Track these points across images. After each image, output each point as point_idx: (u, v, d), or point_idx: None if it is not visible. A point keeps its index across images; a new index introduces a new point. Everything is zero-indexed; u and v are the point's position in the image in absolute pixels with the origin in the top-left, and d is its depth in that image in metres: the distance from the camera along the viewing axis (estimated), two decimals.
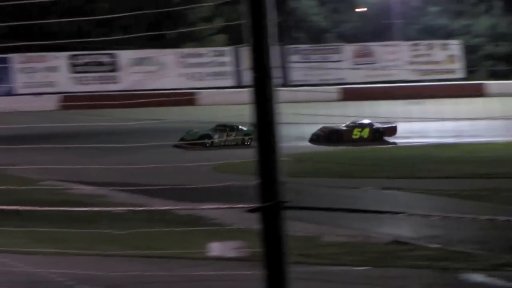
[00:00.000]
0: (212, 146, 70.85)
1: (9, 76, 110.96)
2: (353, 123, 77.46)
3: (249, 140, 68.56)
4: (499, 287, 35.21)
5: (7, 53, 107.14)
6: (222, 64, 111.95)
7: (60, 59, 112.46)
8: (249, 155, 8.97)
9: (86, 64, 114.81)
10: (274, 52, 8.82)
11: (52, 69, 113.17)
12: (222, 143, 71.02)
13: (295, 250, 8.26)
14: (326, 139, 75.64)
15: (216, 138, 70.82)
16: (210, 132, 71.31)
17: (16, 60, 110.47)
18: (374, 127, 77.97)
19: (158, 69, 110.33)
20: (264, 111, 8.50)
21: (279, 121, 8.59)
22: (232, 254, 35.21)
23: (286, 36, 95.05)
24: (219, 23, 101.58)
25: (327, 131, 75.81)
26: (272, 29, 8.77)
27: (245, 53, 8.87)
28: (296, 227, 11.55)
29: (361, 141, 74.94)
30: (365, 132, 75.80)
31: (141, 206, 42.77)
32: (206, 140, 70.26)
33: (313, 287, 25.45)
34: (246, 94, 8.67)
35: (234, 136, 70.77)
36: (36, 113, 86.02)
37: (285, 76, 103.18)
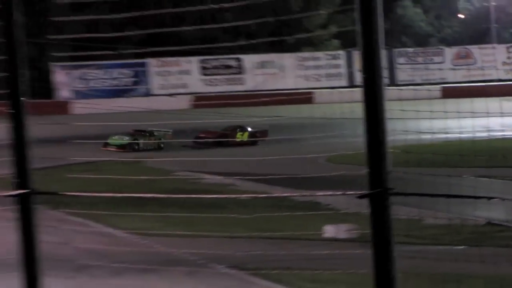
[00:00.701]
0: (139, 150, 72.67)
1: (147, 79, 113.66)
2: (231, 126, 78.34)
3: (162, 144, 73.08)
4: None
5: (145, 58, 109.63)
6: (336, 66, 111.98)
7: (192, 63, 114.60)
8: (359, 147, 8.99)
9: (214, 67, 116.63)
10: (383, 55, 8.81)
11: (185, 72, 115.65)
12: (145, 147, 73.06)
13: (400, 231, 8.21)
14: (216, 142, 76.06)
15: (141, 142, 72.77)
16: (136, 137, 73.60)
17: (153, 64, 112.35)
18: (250, 130, 78.69)
19: (278, 72, 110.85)
20: (374, 108, 8.49)
21: (387, 117, 8.58)
22: (344, 235, 35.46)
23: (394, 40, 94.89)
24: (333, 29, 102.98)
25: (217, 135, 76.73)
26: (381, 34, 8.76)
27: (357, 56, 8.87)
28: (401, 211, 11.47)
29: (242, 143, 75.89)
30: (245, 135, 76.70)
31: (263, 194, 42.72)
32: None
33: (417, 265, 25.32)
34: (357, 93, 8.67)
35: (153, 140, 72.93)
36: (170, 112, 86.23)
37: (392, 76, 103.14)
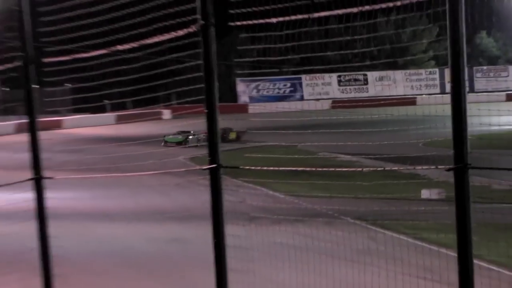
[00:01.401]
0: (186, 145, 66.06)
1: (301, 88, 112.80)
2: (224, 128, 69.25)
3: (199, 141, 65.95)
4: None
5: (300, 74, 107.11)
6: (433, 79, 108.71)
7: (332, 78, 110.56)
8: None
9: (347, 80, 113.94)
10: (465, 71, 8.79)
11: (326, 84, 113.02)
12: (191, 143, 66.64)
13: (474, 194, 8.08)
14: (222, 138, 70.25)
15: (189, 139, 67.59)
16: (186, 136, 68.63)
17: (305, 78, 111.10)
18: (235, 131, 74.20)
19: (392, 83, 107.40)
20: (458, 108, 8.50)
21: (467, 114, 8.56)
22: (436, 197, 35.51)
23: (473, 61, 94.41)
24: (431, 53, 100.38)
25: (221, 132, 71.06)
26: (464, 57, 8.72)
27: (447, 72, 8.91)
28: (475, 180, 11.04)
29: (232, 141, 70.95)
30: (234, 135, 73.17)
31: (379, 167, 42.56)
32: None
33: (487, 218, 24.96)
34: (447, 98, 8.67)
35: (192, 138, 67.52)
36: (316, 111, 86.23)
37: (472, 86, 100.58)
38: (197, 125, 12.25)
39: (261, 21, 11.86)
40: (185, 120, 59.07)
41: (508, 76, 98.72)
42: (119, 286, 23.25)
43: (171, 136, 67.49)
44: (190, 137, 66.18)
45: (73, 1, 14.15)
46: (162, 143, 65.89)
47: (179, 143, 64.66)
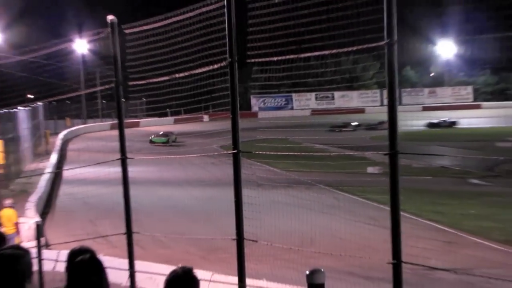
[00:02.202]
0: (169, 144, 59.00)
1: (292, 102, 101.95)
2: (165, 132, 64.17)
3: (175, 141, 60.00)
4: None
5: (291, 93, 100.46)
6: (375, 97, 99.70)
7: (311, 95, 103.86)
8: None
9: (321, 97, 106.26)
10: (396, 91, 8.79)
11: (308, 99, 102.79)
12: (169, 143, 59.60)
13: (402, 169, 8.25)
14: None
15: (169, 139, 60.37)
16: (168, 137, 60.51)
17: (294, 95, 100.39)
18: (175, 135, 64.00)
19: (349, 99, 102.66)
20: (392, 114, 8.55)
21: (397, 118, 8.65)
22: (377, 171, 34.79)
23: (401, 84, 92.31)
24: (374, 80, 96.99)
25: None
26: (396, 82, 8.76)
27: (385, 92, 9.00)
28: (403, 161, 11.00)
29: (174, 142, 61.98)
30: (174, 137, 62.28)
31: (341, 153, 42.20)
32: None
33: (409, 185, 24.95)
34: (385, 108, 8.73)
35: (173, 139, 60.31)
36: (301, 117, 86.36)
37: (400, 101, 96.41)
38: (225, 125, 12.19)
39: (266, 59, 11.95)
40: (218, 121, 58.94)
41: (423, 95, 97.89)
42: (175, 227, 23.31)
43: (156, 138, 59.78)
44: (163, 138, 60.08)
45: (147, 46, 14.19)
46: (149, 143, 58.20)
47: (164, 143, 58.06)
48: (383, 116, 9.04)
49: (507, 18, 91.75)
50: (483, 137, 55.35)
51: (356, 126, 71.35)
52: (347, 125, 70.96)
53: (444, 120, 71.34)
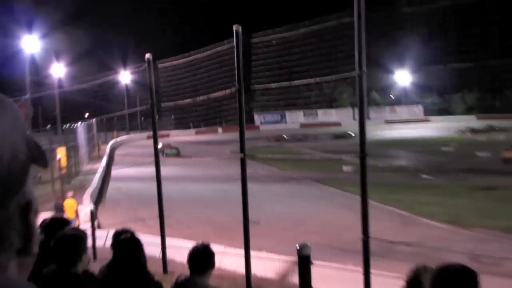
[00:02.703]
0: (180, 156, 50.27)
1: (286, 118, 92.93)
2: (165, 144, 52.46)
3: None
4: None
5: (284, 111, 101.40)
6: (350, 113, 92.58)
7: (300, 112, 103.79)
8: None
9: (308, 114, 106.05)
10: (365, 109, 8.73)
11: (297, 116, 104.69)
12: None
13: (369, 167, 8.28)
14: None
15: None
16: (177, 150, 51.62)
17: (287, 113, 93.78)
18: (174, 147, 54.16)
19: (330, 115, 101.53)
20: (362, 127, 8.49)
21: (365, 129, 8.61)
22: (351, 170, 33.76)
23: (370, 104, 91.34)
24: (350, 100, 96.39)
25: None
26: (365, 102, 8.70)
27: (357, 109, 8.97)
28: (370, 161, 10.91)
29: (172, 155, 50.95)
30: (173, 151, 52.11)
31: (324, 156, 42.09)
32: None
33: (374, 179, 24.90)
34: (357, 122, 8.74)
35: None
36: (292, 129, 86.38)
37: (368, 116, 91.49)
38: (233, 136, 12.20)
39: (266, 85, 11.97)
40: (229, 133, 58.94)
41: (386, 112, 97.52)
42: (196, 212, 23.28)
43: (168, 150, 49.83)
44: (174, 150, 51.32)
45: (175, 76, 14.28)
46: (163, 155, 45.99)
47: (175, 155, 49.72)
48: (356, 127, 9.02)
49: (448, 54, 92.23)
50: (431, 143, 55.37)
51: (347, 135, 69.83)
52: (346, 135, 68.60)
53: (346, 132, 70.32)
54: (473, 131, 67.30)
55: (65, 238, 3.82)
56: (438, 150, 48.56)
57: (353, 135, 69.37)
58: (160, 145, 38.19)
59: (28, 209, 0.84)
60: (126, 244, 4.38)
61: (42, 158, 0.91)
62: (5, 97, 0.82)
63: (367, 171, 8.53)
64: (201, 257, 4.40)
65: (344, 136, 66.87)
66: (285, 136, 68.08)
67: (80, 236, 3.93)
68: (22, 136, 0.83)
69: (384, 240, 9.53)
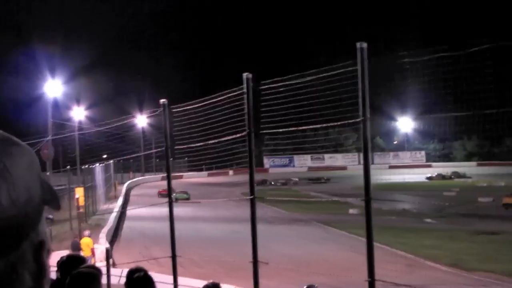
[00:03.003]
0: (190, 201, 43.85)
1: (294, 161, 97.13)
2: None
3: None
4: None
5: (292, 155, 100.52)
6: (355, 158, 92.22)
7: (308, 156, 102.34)
8: None
9: (315, 158, 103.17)
10: (369, 154, 8.68)
11: (305, 159, 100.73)
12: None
13: (374, 211, 8.21)
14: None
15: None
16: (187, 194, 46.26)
17: (296, 157, 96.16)
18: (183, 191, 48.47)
19: (336, 159, 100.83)
20: (366, 171, 8.43)
21: (370, 173, 8.54)
22: (356, 212, 33.55)
23: (373, 149, 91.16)
24: (354, 146, 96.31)
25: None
26: (369, 147, 8.68)
27: (362, 154, 8.88)
28: (375, 205, 10.71)
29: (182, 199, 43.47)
30: (185, 195, 46.72)
31: (330, 198, 41.80)
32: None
33: (380, 223, 24.66)
34: (361, 166, 8.64)
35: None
36: (301, 172, 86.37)
37: (372, 160, 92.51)
38: (244, 178, 12.17)
39: (274, 130, 11.97)
40: (239, 175, 58.83)
41: (389, 157, 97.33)
42: (206, 252, 23.06)
43: (179, 195, 42.13)
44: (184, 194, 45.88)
45: (189, 120, 14.31)
46: (174, 200, 28.92)
47: (186, 199, 43.05)
48: (361, 171, 8.94)
49: (447, 103, 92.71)
50: (434, 188, 55.04)
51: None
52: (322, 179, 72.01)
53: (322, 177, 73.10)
54: (443, 177, 70.71)
55: (80, 276, 3.78)
56: (440, 195, 48.26)
57: (328, 179, 70.71)
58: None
59: (41, 249, 0.84)
60: (140, 282, 4.35)
61: (55, 200, 0.92)
62: (20, 142, 0.84)
63: (372, 214, 8.44)
64: None
65: (320, 180, 69.36)
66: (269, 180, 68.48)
67: (95, 274, 3.89)
68: (37, 178, 0.84)
69: (389, 282, 9.33)
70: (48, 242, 0.88)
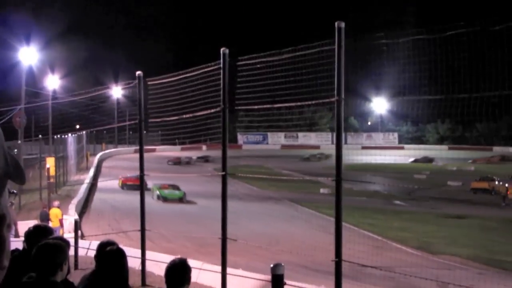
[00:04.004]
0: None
1: (267, 138, 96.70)
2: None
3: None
4: None
5: (266, 132, 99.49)
6: (328, 137, 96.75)
7: (281, 134, 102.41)
8: None
9: (289, 136, 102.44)
10: (342, 134, 8.72)
11: (279, 137, 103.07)
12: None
13: (344, 191, 8.31)
14: None
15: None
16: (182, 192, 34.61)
17: (269, 134, 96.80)
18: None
19: (309, 138, 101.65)
20: (339, 150, 8.47)
21: (342, 154, 8.59)
22: (327, 192, 33.67)
23: (346, 129, 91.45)
24: (328, 125, 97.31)
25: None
26: (342, 127, 8.72)
27: (333, 134, 8.91)
28: (345, 185, 10.86)
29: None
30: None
31: (302, 177, 42.05)
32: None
33: (349, 203, 24.98)
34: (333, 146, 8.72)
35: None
36: (273, 149, 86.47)
37: (345, 141, 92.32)
38: (216, 153, 12.15)
39: (249, 107, 11.96)
40: (212, 150, 58.74)
41: (362, 138, 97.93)
42: (176, 227, 22.96)
43: (167, 192, 33.85)
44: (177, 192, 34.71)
45: (164, 93, 14.21)
46: (158, 198, 32.91)
47: (178, 200, 33.58)
48: (333, 151, 8.99)
49: (422, 85, 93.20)
50: (405, 170, 55.67)
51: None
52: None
53: None
54: (429, 160, 71.18)
55: (46, 247, 3.73)
56: (411, 177, 48.83)
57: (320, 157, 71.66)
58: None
59: (1, 223, 0.81)
60: (112, 255, 4.33)
61: (20, 175, 0.89)
62: None
63: (342, 194, 8.52)
64: (178, 272, 4.33)
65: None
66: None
67: (61, 245, 3.85)
68: (1, 152, 0.81)
69: (356, 263, 9.46)
70: (8, 216, 0.85)
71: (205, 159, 62.77)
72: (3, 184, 0.80)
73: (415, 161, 70.81)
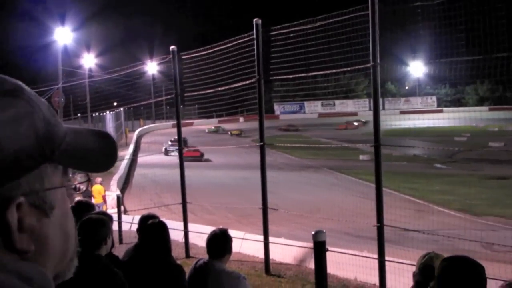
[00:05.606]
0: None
1: (304, 108, 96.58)
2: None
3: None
4: None
5: (303, 101, 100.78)
6: (366, 104, 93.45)
7: (318, 103, 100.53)
8: None
9: (326, 104, 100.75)
10: (379, 100, 8.59)
11: (316, 106, 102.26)
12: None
13: (384, 156, 8.18)
14: None
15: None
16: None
17: (306, 103, 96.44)
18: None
19: (346, 106, 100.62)
20: (376, 117, 8.34)
21: (380, 119, 8.46)
22: (367, 158, 33.35)
23: (384, 95, 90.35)
24: (365, 91, 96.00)
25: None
26: (379, 93, 8.56)
27: (372, 100, 8.78)
28: (385, 150, 10.58)
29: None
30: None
31: (341, 144, 41.77)
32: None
33: (389, 168, 24.68)
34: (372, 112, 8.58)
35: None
36: (311, 118, 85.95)
37: (383, 107, 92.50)
38: (254, 124, 12.13)
39: (285, 76, 11.86)
40: (250, 122, 58.80)
41: (400, 103, 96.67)
42: (217, 199, 23.24)
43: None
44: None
45: (199, 67, 14.21)
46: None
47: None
48: (371, 117, 8.89)
49: (459, 47, 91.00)
50: (444, 133, 54.73)
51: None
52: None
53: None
54: None
55: (89, 222, 3.80)
56: (451, 140, 48.05)
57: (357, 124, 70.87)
58: (169, 145, 30.08)
59: (7, 207, 0.77)
60: (154, 228, 4.40)
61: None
62: (12, 91, 0.77)
63: (381, 160, 8.42)
64: (219, 243, 4.37)
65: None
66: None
67: (104, 220, 3.91)
68: (27, 133, 0.76)
69: (398, 228, 9.40)
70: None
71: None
72: (27, 165, 0.76)
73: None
